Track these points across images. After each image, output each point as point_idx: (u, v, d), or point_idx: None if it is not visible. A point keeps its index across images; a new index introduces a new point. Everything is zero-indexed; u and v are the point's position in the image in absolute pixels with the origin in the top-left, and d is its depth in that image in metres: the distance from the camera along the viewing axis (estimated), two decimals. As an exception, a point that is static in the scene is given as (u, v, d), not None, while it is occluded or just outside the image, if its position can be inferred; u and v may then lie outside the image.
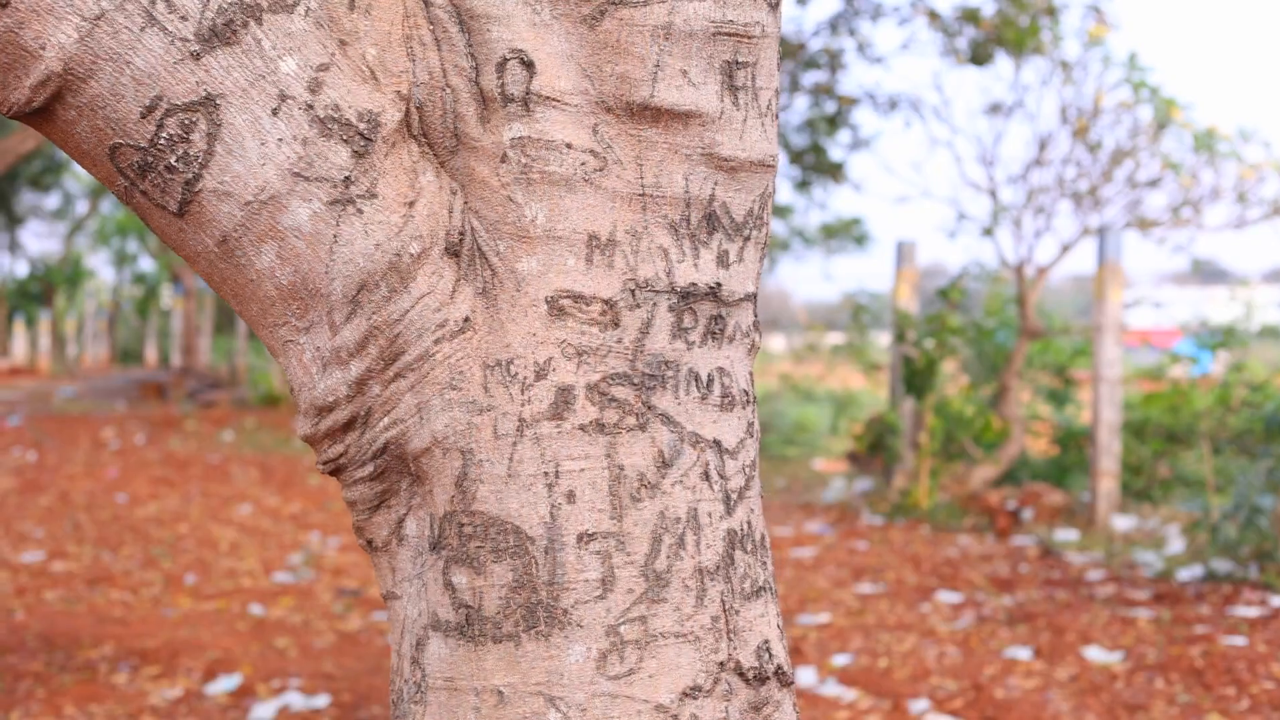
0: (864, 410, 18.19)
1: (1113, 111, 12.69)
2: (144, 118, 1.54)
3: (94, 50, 1.52)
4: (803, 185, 17.77)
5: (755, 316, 1.76)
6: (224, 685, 6.42)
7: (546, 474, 1.58)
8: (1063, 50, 12.92)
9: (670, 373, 1.62)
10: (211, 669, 6.73)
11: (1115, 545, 10.07)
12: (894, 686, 6.48)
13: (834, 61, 15.45)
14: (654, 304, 1.61)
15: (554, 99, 1.58)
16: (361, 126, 1.57)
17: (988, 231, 13.34)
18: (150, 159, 1.56)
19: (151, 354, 44.75)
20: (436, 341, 1.60)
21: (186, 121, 1.54)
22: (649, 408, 1.61)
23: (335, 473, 1.70)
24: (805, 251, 22.59)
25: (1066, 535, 10.51)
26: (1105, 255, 10.95)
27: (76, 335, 45.88)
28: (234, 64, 1.54)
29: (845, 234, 21.31)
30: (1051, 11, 13.00)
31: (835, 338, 22.81)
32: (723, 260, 1.66)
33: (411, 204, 1.59)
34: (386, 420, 1.63)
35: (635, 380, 1.61)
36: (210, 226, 1.59)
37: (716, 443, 1.66)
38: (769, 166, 1.69)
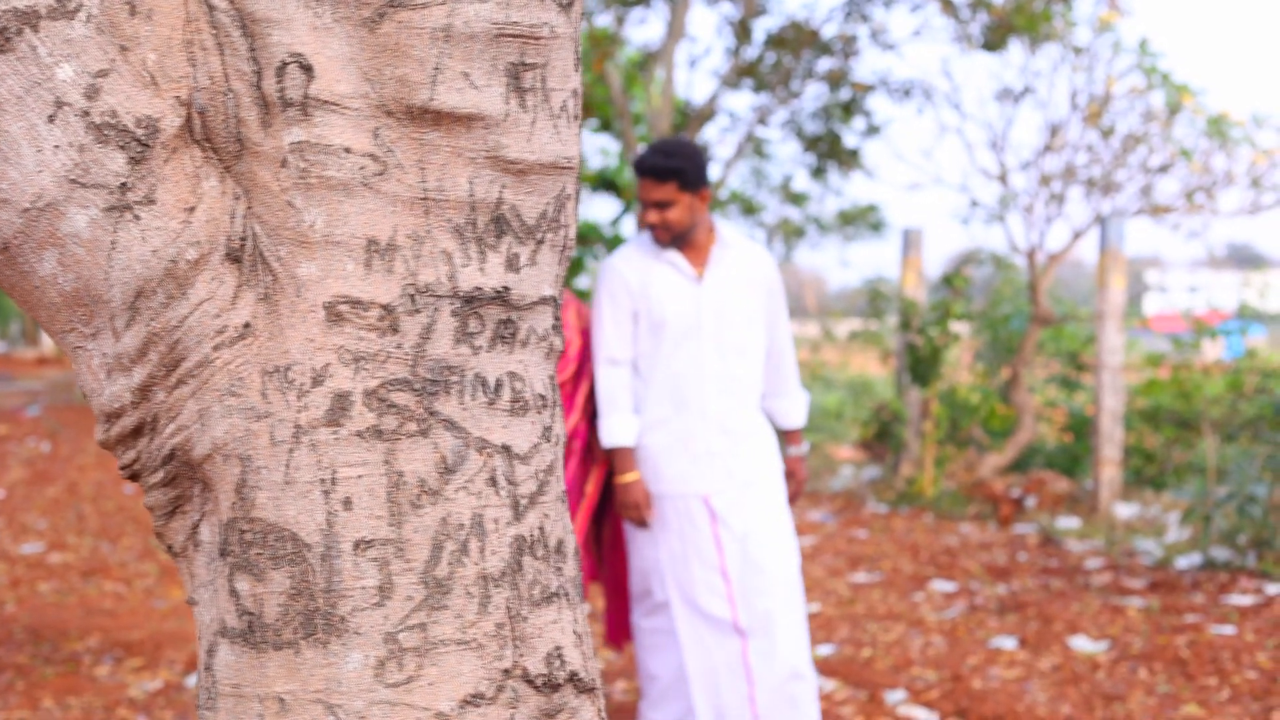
0: (878, 397, 18.14)
1: (1125, 97, 12.60)
2: (-84, 125, 1.53)
3: None
4: (818, 172, 17.70)
5: (557, 319, 1.74)
6: (204, 677, 6.44)
7: (323, 481, 1.57)
8: (1075, 36, 12.83)
9: (454, 378, 1.61)
10: (194, 661, 6.75)
11: (1116, 533, 10.01)
12: (873, 677, 6.45)
13: (847, 48, 15.38)
14: (435, 309, 1.60)
15: (333, 103, 1.57)
16: (139, 133, 1.56)
17: (998, 218, 13.28)
18: (-73, 166, 1.55)
19: (182, 344, 44.90)
20: (216, 348, 1.59)
21: (-40, 129, 1.54)
22: (431, 413, 1.60)
23: (133, 478, 1.70)
24: (821, 239, 22.51)
25: (1068, 523, 10.45)
26: (1107, 242, 10.87)
27: (108, 325, 46.04)
28: (8, 71, 1.54)
29: (862, 220, 21.23)
30: (1064, -4, 12.91)
31: (855, 324, 22.75)
32: (512, 264, 1.64)
33: (191, 210, 1.59)
34: (172, 427, 1.63)
35: (416, 386, 1.59)
36: (-9, 234, 1.58)
37: (506, 448, 1.65)
38: (563, 168, 1.67)
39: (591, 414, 4.84)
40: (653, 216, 4.62)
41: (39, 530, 10.50)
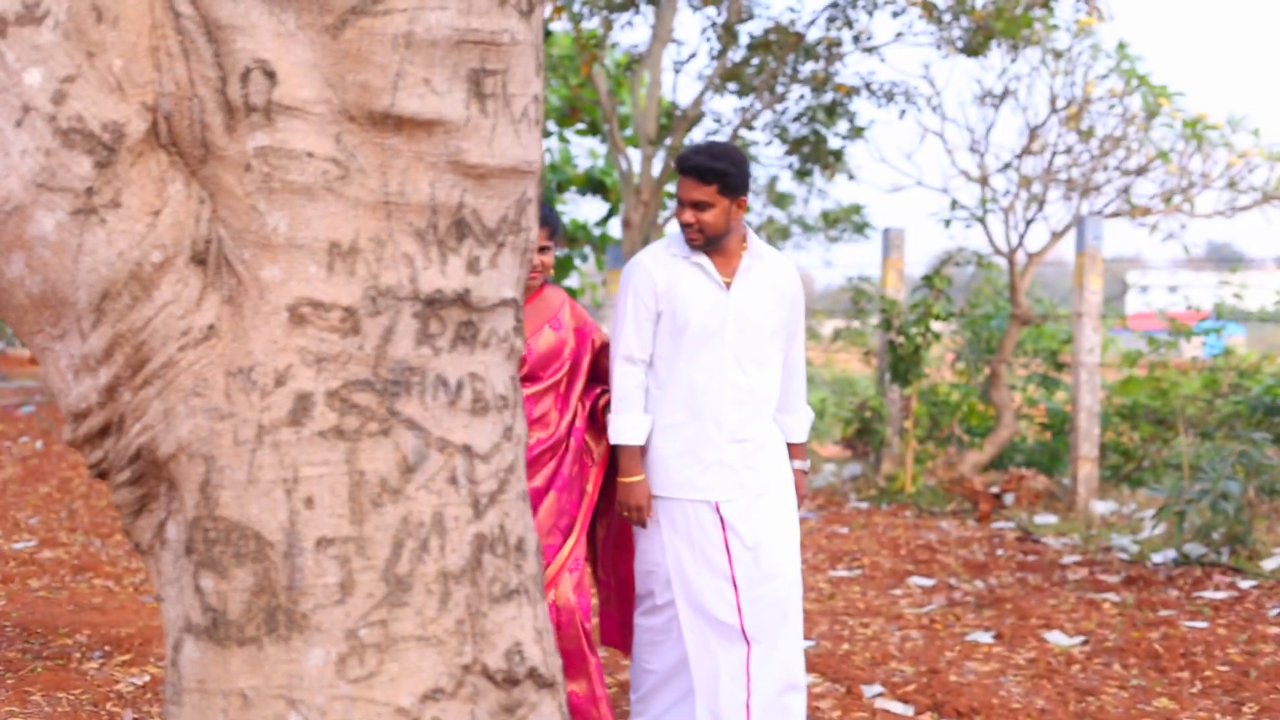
0: (860, 395, 18.17)
1: (1103, 100, 12.65)
2: (-115, 131, 1.56)
3: None
4: (802, 174, 17.72)
5: (518, 321, 1.77)
6: (184, 674, 6.44)
7: (285, 480, 1.60)
8: (1054, 40, 12.88)
9: (415, 378, 1.64)
10: (175, 658, 6.75)
11: (1093, 529, 10.05)
12: (851, 672, 6.48)
13: (831, 52, 15.41)
14: (397, 311, 1.62)
15: (296, 108, 1.60)
16: (105, 137, 1.59)
17: (978, 219, 13.31)
18: (-105, 171, 1.58)
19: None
20: (181, 349, 1.62)
21: (-72, 134, 1.56)
22: (392, 413, 1.63)
23: (101, 477, 1.73)
24: (805, 239, 22.51)
25: (1046, 520, 10.50)
26: (1084, 243, 10.91)
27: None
28: (-25, 77, 1.56)
29: (845, 221, 21.24)
30: (1045, 3, 12.95)
31: (839, 323, 22.74)
32: (473, 266, 1.67)
33: (157, 213, 1.61)
34: (138, 426, 1.65)
35: (378, 386, 1.62)
36: (-41, 237, 1.61)
37: (466, 447, 1.68)
38: (524, 172, 1.70)
39: (590, 413, 4.83)
40: (688, 216, 4.53)
41: (31, 527, 10.47)
